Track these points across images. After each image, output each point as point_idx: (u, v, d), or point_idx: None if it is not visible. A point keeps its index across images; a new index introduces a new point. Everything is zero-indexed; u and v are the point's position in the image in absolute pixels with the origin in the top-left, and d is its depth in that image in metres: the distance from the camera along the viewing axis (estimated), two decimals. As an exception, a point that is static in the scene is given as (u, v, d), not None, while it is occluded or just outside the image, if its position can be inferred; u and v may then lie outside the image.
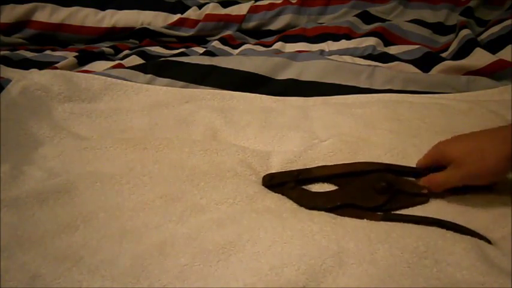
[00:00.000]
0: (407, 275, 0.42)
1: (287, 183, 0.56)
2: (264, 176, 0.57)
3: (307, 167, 0.59)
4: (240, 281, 0.42)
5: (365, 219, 0.50)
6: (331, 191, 0.56)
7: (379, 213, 0.52)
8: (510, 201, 0.52)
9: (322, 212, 0.52)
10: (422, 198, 0.54)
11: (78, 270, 0.44)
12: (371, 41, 1.00)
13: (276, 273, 0.42)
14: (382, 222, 0.50)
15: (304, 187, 0.57)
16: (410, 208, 0.53)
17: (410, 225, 0.49)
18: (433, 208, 0.53)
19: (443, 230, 0.47)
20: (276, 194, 0.55)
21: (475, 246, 0.45)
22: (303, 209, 0.53)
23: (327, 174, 0.57)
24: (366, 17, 1.12)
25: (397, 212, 0.53)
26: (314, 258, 0.43)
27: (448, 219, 0.49)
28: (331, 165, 0.58)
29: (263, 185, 0.57)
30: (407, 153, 0.61)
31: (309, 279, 0.41)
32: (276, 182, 0.56)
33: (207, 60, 0.85)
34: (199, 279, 0.43)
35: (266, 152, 0.63)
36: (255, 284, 0.41)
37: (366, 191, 0.54)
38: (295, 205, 0.54)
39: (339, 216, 0.51)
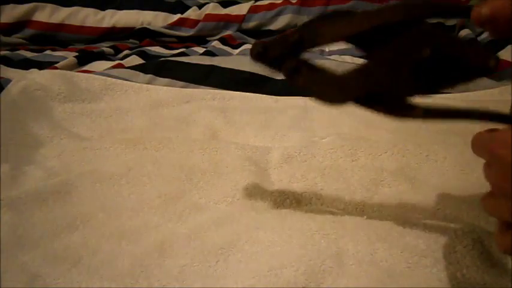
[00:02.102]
0: (407, 275, 0.42)
1: (287, 58, 0.38)
2: (254, 46, 0.38)
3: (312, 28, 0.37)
4: (239, 282, 0.42)
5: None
6: (353, 71, 0.36)
7: (420, 106, 0.35)
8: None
9: (321, 209, 0.52)
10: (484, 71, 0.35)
11: (78, 271, 0.44)
12: (371, 41, 1.00)
13: (275, 274, 0.42)
14: (383, 220, 0.49)
15: (314, 63, 0.38)
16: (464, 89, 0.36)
17: (410, 221, 0.49)
18: (433, 201, 0.53)
19: (443, 227, 0.47)
20: (276, 187, 0.54)
21: (477, 243, 0.45)
22: (302, 206, 0.53)
23: (341, 35, 0.37)
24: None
25: (447, 92, 0.38)
26: (313, 258, 0.43)
27: (450, 210, 0.49)
28: (345, 21, 0.36)
29: (254, 58, 0.38)
30: (408, 152, 0.61)
31: (308, 280, 0.41)
32: (273, 55, 0.38)
33: (207, 60, 0.85)
34: (198, 279, 0.43)
35: (266, 148, 0.63)
36: (254, 285, 0.41)
37: (403, 64, 0.34)
38: (294, 202, 0.54)
39: (338, 215, 0.50)
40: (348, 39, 0.36)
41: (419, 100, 0.35)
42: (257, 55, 0.37)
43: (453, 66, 0.34)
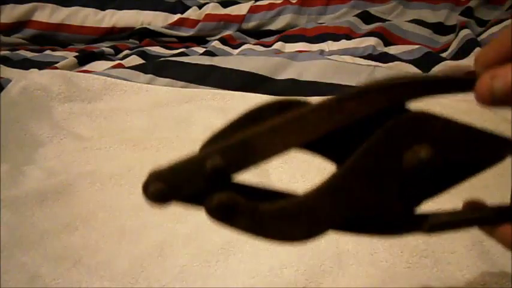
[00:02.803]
0: (407, 275, 0.42)
1: (210, 193, 0.24)
2: (149, 180, 0.25)
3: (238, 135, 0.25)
4: (239, 282, 0.42)
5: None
6: (318, 192, 0.25)
7: (426, 222, 0.27)
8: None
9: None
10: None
11: (77, 271, 0.44)
12: (371, 41, 1.00)
13: (275, 274, 0.42)
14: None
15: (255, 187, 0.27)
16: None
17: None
18: (433, 201, 0.53)
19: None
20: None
21: (476, 243, 0.45)
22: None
23: (290, 146, 0.24)
24: (366, 17, 1.12)
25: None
26: (313, 259, 0.43)
27: (448, 206, 0.49)
28: (294, 124, 0.23)
29: (154, 201, 0.25)
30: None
31: (308, 280, 0.41)
32: (186, 194, 0.24)
33: (207, 60, 0.85)
34: (198, 279, 0.43)
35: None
36: (254, 285, 0.41)
37: (391, 171, 0.24)
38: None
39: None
40: (301, 148, 0.25)
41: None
42: (160, 198, 0.24)
43: (460, 165, 0.26)
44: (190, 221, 0.50)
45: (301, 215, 0.24)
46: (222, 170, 0.23)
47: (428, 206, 0.28)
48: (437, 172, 0.25)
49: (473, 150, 0.25)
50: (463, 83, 0.24)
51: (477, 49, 0.86)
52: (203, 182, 0.23)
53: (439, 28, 1.09)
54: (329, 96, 0.23)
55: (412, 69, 0.87)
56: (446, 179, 0.26)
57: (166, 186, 0.23)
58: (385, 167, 0.24)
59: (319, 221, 0.24)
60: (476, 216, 0.29)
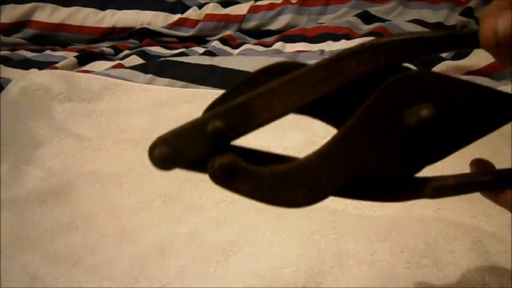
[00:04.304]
0: (407, 275, 0.42)
1: (212, 156, 0.24)
2: (154, 145, 0.24)
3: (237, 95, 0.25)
4: (240, 282, 0.42)
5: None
6: (318, 155, 0.24)
7: (429, 184, 0.25)
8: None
9: (321, 209, 0.52)
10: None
11: (78, 271, 0.44)
12: (371, 41, 1.00)
13: (275, 274, 0.42)
14: (383, 219, 0.49)
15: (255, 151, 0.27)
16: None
17: (410, 221, 0.49)
18: (433, 201, 0.53)
19: (443, 227, 0.47)
20: None
21: (476, 243, 0.45)
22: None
23: (289, 108, 0.24)
24: (366, 17, 1.12)
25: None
26: (313, 259, 0.43)
27: (450, 210, 0.49)
28: (291, 86, 0.24)
29: (159, 165, 0.24)
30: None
31: (308, 280, 0.41)
32: (189, 158, 0.24)
33: (207, 60, 0.85)
34: (198, 279, 0.43)
35: (266, 148, 0.63)
36: (255, 285, 0.41)
37: (393, 130, 0.23)
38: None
39: (338, 215, 0.50)
40: (299, 111, 0.25)
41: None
42: (164, 161, 0.23)
43: (464, 125, 0.24)
44: (190, 221, 0.50)
45: (302, 178, 0.24)
46: (223, 133, 0.23)
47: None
48: (439, 133, 0.24)
49: (478, 109, 0.24)
50: (462, 39, 0.23)
51: (477, 49, 0.86)
52: (205, 145, 0.23)
53: (439, 28, 1.09)
54: (327, 57, 0.23)
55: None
56: (449, 141, 0.25)
57: (170, 149, 0.23)
58: (386, 127, 0.23)
59: (320, 185, 0.24)
60: (481, 180, 0.27)
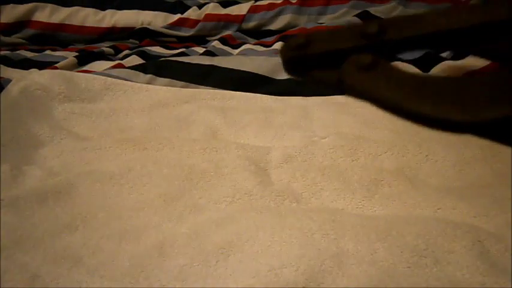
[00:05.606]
0: (407, 275, 0.42)
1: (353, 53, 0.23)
2: (284, 48, 0.25)
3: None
4: (239, 282, 0.42)
5: None
6: (481, 78, 0.22)
7: None
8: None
9: (321, 208, 0.52)
10: None
11: (78, 271, 0.44)
12: (371, 41, 1.00)
13: (275, 274, 0.42)
14: (383, 219, 0.49)
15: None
16: None
17: (410, 221, 0.49)
18: (433, 201, 0.53)
19: (443, 227, 0.47)
20: (276, 187, 0.55)
21: (476, 243, 0.45)
22: (302, 205, 0.53)
23: (445, 26, 0.23)
24: (366, 17, 1.12)
25: None
26: (313, 258, 0.43)
27: (450, 210, 0.49)
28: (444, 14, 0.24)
29: (287, 64, 0.25)
30: (408, 152, 0.61)
31: (308, 279, 0.41)
32: (330, 47, 0.24)
33: (207, 60, 0.85)
34: (198, 279, 0.43)
35: (266, 148, 0.63)
36: (254, 285, 0.41)
37: None
38: (294, 202, 0.53)
39: (338, 215, 0.50)
40: (449, 38, 0.23)
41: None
42: (297, 47, 0.24)
43: None
44: (190, 221, 0.50)
45: (468, 91, 0.21)
46: (375, 35, 0.24)
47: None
48: None
49: None
50: None
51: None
52: (350, 42, 0.24)
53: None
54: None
55: (412, 69, 0.87)
56: None
57: (305, 41, 0.24)
58: None
59: (497, 103, 0.20)
60: None
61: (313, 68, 0.24)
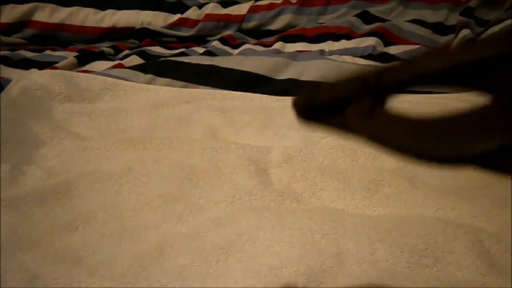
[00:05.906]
0: (407, 275, 0.42)
1: (358, 99, 0.26)
2: (295, 102, 0.28)
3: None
4: (239, 282, 0.42)
5: None
6: (473, 112, 0.23)
7: None
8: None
9: (321, 208, 0.52)
10: None
11: (78, 271, 0.44)
12: (371, 41, 1.00)
13: (275, 274, 0.42)
14: (383, 219, 0.49)
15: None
16: None
17: (410, 221, 0.49)
18: (433, 201, 0.53)
19: (443, 227, 0.47)
20: (276, 187, 0.55)
21: (476, 243, 0.45)
22: (302, 205, 0.53)
23: (441, 67, 0.24)
24: (366, 17, 1.12)
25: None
26: (313, 258, 0.43)
27: (450, 210, 0.49)
28: (441, 54, 0.25)
29: (299, 114, 0.28)
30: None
31: (308, 279, 0.41)
32: (337, 95, 0.26)
33: (207, 60, 0.85)
34: (198, 279, 0.43)
35: (266, 148, 0.63)
36: (254, 285, 0.41)
37: None
38: (294, 202, 0.53)
39: (338, 215, 0.50)
40: (444, 77, 0.24)
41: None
42: (306, 100, 0.27)
43: None
44: (190, 221, 0.50)
45: (458, 128, 0.22)
46: (373, 86, 0.25)
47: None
48: None
49: None
50: None
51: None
52: (354, 92, 0.25)
53: (439, 28, 1.09)
54: None
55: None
56: None
57: (316, 92, 0.27)
58: None
59: (488, 137, 0.21)
60: None
61: (322, 114, 0.27)
